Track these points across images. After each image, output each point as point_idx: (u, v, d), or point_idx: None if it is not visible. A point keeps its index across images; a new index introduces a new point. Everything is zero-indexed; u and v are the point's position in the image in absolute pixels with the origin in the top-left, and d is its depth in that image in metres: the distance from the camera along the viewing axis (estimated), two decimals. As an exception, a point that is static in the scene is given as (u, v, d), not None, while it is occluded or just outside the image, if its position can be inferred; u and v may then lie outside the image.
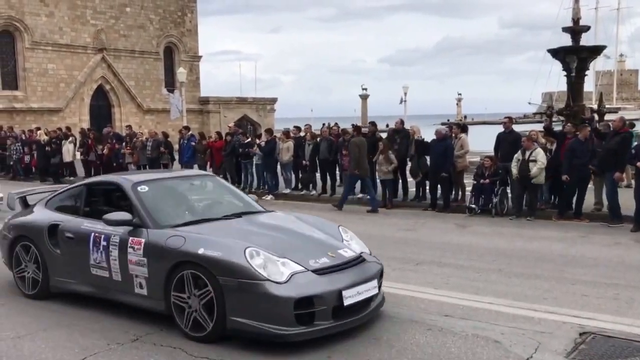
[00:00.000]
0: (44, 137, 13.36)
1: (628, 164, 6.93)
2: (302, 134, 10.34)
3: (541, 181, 7.26)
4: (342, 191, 8.91)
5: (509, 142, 7.72)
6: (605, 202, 7.15)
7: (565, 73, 11.30)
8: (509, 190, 7.77)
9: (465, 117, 55.74)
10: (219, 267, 3.08)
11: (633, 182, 7.31)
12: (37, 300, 4.07)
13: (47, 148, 13.06)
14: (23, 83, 21.26)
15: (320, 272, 3.18)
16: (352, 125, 11.12)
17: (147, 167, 11.71)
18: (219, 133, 11.75)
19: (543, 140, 7.82)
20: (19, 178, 13.58)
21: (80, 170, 13.25)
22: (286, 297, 2.96)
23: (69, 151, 12.92)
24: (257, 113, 27.44)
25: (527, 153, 7.20)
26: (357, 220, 7.48)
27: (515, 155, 7.35)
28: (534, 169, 7.10)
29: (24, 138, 13.87)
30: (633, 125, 9.49)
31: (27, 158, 13.38)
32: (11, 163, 13.87)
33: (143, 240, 3.45)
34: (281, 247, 3.29)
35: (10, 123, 17.63)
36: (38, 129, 14.59)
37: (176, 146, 12.12)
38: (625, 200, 6.83)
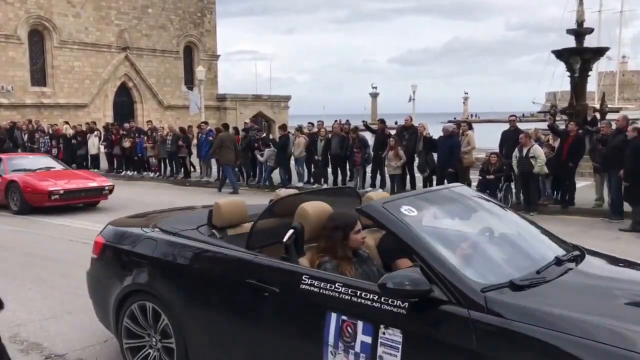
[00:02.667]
0: (70, 131, 14.01)
1: None
2: (314, 130, 10.55)
3: (545, 171, 7.33)
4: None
5: (513, 140, 7.81)
6: (606, 198, 7.18)
7: (569, 73, 11.33)
8: (513, 186, 7.86)
9: (477, 115, 55.66)
10: None
11: None
12: (62, 285, 4.28)
13: (72, 141, 13.70)
14: (51, 80, 22.15)
15: None
16: (363, 122, 11.31)
17: (167, 160, 12.22)
18: (235, 128, 12.07)
19: (543, 137, 7.91)
20: (46, 170, 14.28)
21: (104, 163, 13.83)
22: None
23: (94, 144, 13.51)
24: (272, 110, 27.79)
25: (525, 150, 7.30)
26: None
27: (514, 153, 7.47)
28: (536, 167, 7.21)
29: (51, 132, 14.55)
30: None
31: (54, 151, 14.05)
32: (39, 156, 14.57)
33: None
34: None
35: (38, 118, 18.44)
36: (66, 122, 15.29)
37: (195, 140, 12.53)
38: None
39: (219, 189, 10.52)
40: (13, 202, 7.89)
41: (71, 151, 13.59)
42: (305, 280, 1.99)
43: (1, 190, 7.99)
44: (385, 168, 9.15)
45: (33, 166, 8.55)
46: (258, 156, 10.52)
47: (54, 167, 8.85)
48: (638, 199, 6.26)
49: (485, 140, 13.32)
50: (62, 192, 7.71)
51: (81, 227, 6.77)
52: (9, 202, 7.94)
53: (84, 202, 8.18)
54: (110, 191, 8.35)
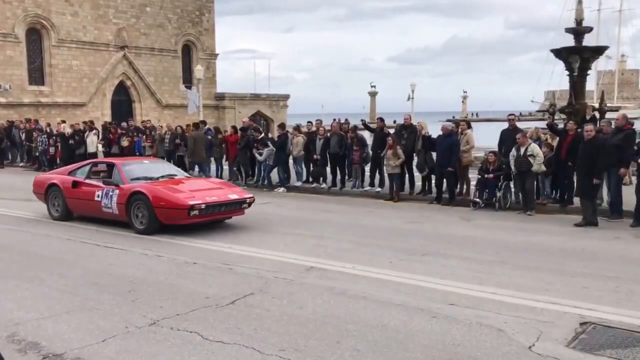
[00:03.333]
0: (68, 130, 13.96)
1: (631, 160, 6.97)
2: (313, 128, 10.54)
3: (543, 170, 7.36)
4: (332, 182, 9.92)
5: (512, 139, 7.81)
6: (605, 197, 7.20)
7: (567, 72, 11.41)
8: (512, 185, 7.88)
9: (477, 114, 56.08)
10: None
11: (634, 178, 7.41)
12: (60, 285, 4.28)
13: (70, 141, 13.64)
14: (49, 79, 22.05)
15: None
16: (362, 120, 11.31)
17: (165, 159, 12.17)
18: (234, 127, 12.06)
19: (543, 136, 7.94)
20: (43, 169, 14.21)
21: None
22: None
23: (93, 142, 13.47)
24: (271, 109, 27.76)
25: (522, 149, 7.32)
26: (366, 212, 7.65)
27: (511, 152, 7.48)
28: (535, 165, 7.22)
29: (49, 131, 14.49)
30: (632, 124, 9.51)
31: (51, 150, 13.99)
32: (37, 154, 14.53)
33: None
34: None
35: (36, 117, 18.34)
36: (63, 121, 15.23)
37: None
38: (625, 196, 6.87)
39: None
40: (137, 219, 6.20)
41: (69, 150, 13.54)
42: None
43: (119, 203, 6.30)
44: (384, 167, 9.14)
45: (154, 173, 6.85)
46: (257, 155, 10.51)
47: (176, 175, 7.08)
48: (589, 193, 6.55)
49: (484, 139, 13.39)
50: (203, 206, 5.98)
51: (77, 226, 6.75)
52: (131, 219, 6.24)
53: (222, 217, 6.55)
54: (250, 204, 6.62)
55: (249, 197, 6.63)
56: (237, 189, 6.93)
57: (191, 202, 5.96)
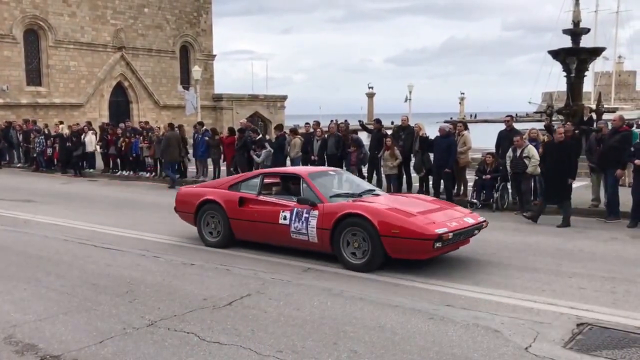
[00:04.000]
0: (66, 131, 13.93)
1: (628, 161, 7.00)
2: (311, 130, 10.57)
3: (538, 172, 7.40)
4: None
5: (509, 140, 7.84)
6: (602, 198, 7.24)
7: (565, 74, 11.46)
8: (509, 186, 7.91)
9: (475, 115, 56.34)
10: None
11: (631, 179, 7.38)
12: (58, 286, 4.28)
13: (67, 144, 13.61)
14: (46, 79, 21.99)
15: None
16: (359, 121, 11.35)
17: (163, 160, 12.17)
18: (231, 129, 12.07)
19: (541, 137, 7.99)
20: (41, 170, 14.19)
21: (99, 162, 13.76)
22: None
23: (92, 142, 13.45)
24: (268, 110, 27.76)
25: (519, 150, 7.35)
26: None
27: (507, 153, 7.51)
28: (530, 167, 7.26)
29: (47, 132, 14.45)
30: (631, 126, 9.60)
31: (49, 151, 13.95)
32: (34, 155, 14.49)
33: None
34: None
35: (34, 117, 18.31)
36: (61, 122, 15.21)
37: (190, 140, 12.50)
38: (622, 196, 6.90)
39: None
40: (348, 249, 4.63)
41: (67, 152, 13.50)
42: None
43: (321, 229, 4.71)
44: (382, 168, 9.17)
45: (350, 188, 5.39)
46: (255, 157, 10.52)
47: (374, 189, 5.60)
48: (559, 197, 6.72)
49: (481, 141, 13.43)
50: (450, 236, 4.46)
51: (76, 227, 6.73)
52: (341, 251, 4.64)
53: (455, 249, 4.94)
54: (479, 230, 5.08)
55: (484, 222, 5.03)
56: (465, 210, 5.33)
57: (438, 231, 4.38)
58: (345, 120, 11.37)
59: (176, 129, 11.71)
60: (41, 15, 21.41)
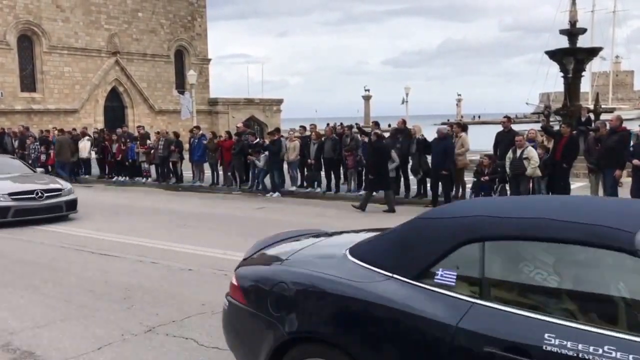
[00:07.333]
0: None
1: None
2: (307, 133, 10.61)
3: (537, 174, 7.42)
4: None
5: (507, 141, 7.88)
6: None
7: (562, 74, 11.46)
8: (507, 187, 7.92)
9: (479, 116, 56.18)
10: None
11: (629, 180, 7.44)
12: (55, 293, 4.24)
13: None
14: (41, 85, 21.91)
15: None
16: (356, 124, 11.38)
17: (159, 165, 12.18)
18: (228, 132, 12.08)
19: (541, 138, 8.00)
20: (36, 176, 14.11)
21: (95, 169, 13.74)
22: None
23: (86, 148, 13.42)
24: (264, 114, 27.78)
25: (519, 152, 7.37)
26: (361, 216, 7.69)
27: (507, 155, 7.53)
28: (529, 168, 7.28)
29: (43, 137, 14.40)
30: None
31: (43, 157, 13.88)
32: (30, 161, 14.41)
33: None
34: None
35: (28, 123, 18.23)
36: (55, 129, 15.14)
37: (186, 145, 12.51)
38: (621, 196, 6.87)
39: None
40: None
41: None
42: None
43: None
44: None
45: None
46: (255, 162, 10.50)
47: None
48: (378, 187, 7.87)
49: (479, 142, 13.44)
50: None
51: (72, 233, 6.71)
52: None
53: None
54: None
55: None
56: None
57: None
58: (341, 123, 11.42)
59: (200, 133, 11.92)
60: (35, 20, 21.35)
